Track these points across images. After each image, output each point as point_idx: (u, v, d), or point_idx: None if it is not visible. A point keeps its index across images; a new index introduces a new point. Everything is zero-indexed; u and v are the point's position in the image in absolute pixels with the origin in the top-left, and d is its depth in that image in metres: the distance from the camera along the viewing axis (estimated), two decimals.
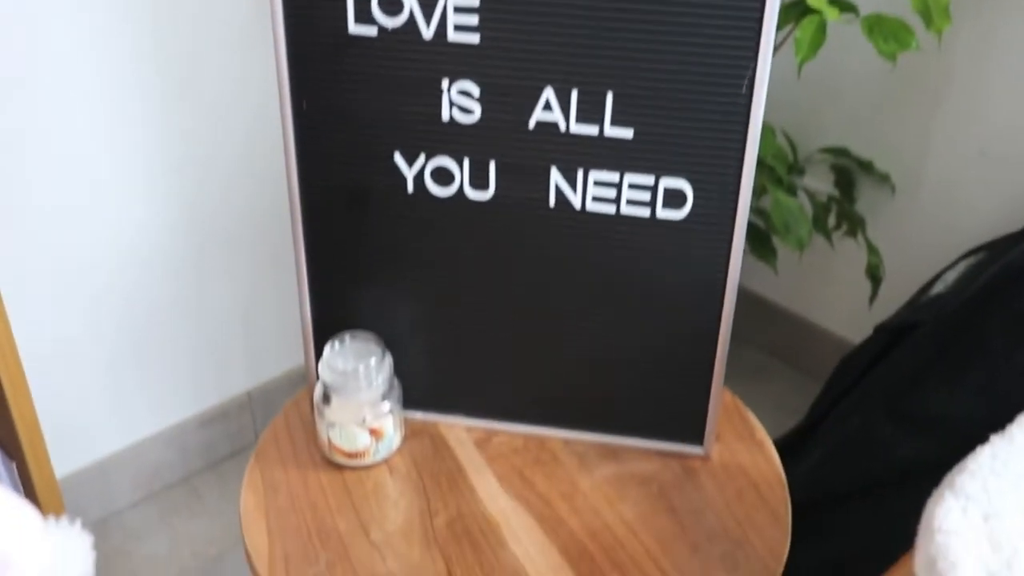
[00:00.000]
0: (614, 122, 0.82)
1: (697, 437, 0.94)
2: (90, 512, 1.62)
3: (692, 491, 0.91)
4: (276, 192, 1.56)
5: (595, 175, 0.84)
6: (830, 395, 1.43)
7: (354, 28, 0.82)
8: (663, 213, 0.84)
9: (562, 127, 0.83)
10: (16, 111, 1.28)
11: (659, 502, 0.90)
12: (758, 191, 1.44)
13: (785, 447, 1.50)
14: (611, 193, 0.84)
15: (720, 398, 0.92)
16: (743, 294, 1.91)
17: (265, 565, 0.85)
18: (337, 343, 0.93)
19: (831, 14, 1.23)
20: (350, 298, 0.95)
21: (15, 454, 1.13)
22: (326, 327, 0.96)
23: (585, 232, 0.86)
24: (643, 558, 0.85)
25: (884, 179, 1.62)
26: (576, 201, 0.85)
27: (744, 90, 0.79)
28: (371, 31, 0.82)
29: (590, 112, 0.82)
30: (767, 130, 1.51)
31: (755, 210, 1.52)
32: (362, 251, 0.92)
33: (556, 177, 0.84)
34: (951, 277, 1.33)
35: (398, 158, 0.87)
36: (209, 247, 1.57)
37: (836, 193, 1.65)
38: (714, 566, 0.84)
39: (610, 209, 0.85)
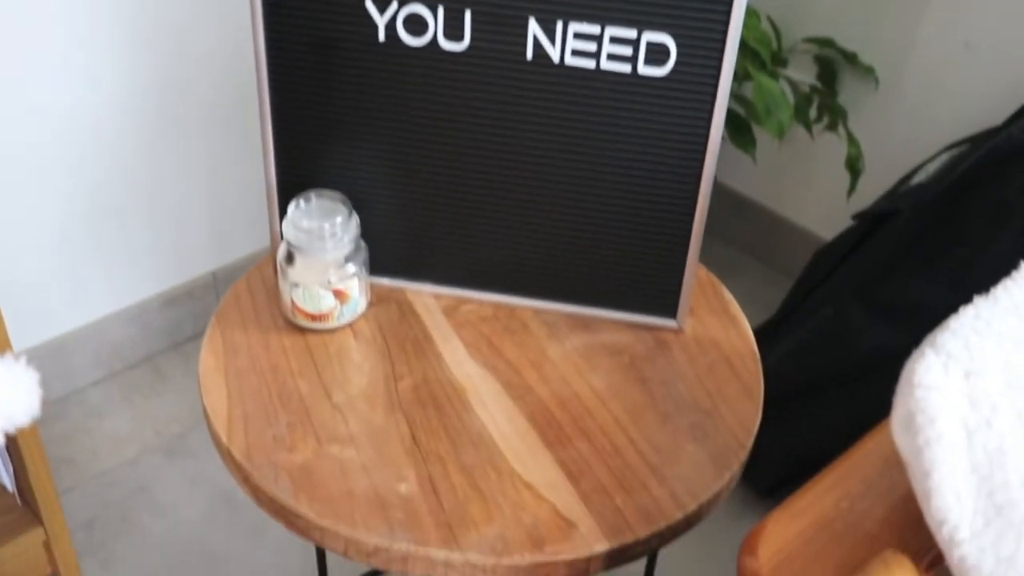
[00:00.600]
0: None
1: (671, 310, 0.92)
2: (51, 389, 1.60)
3: (664, 363, 0.89)
4: (241, 52, 1.50)
5: (575, 27, 0.80)
6: (804, 287, 1.42)
7: None
8: (645, 70, 0.81)
9: None
10: None
11: (630, 373, 0.88)
12: (740, 76, 1.40)
13: (759, 338, 1.49)
14: (591, 47, 0.80)
15: (695, 270, 0.90)
16: (717, 189, 1.89)
17: (224, 425, 0.83)
18: (302, 201, 0.89)
19: None
20: (316, 157, 0.91)
21: None
22: (291, 187, 0.92)
23: (563, 89, 0.83)
24: (611, 426, 0.83)
25: (868, 72, 1.59)
26: (555, 55, 0.81)
27: None
28: None
29: None
30: (752, 14, 1.47)
31: (735, 97, 1.49)
32: (330, 106, 0.88)
33: (534, 28, 0.80)
34: (932, 168, 1.31)
35: (369, 5, 0.82)
36: (169, 118, 1.52)
37: (819, 85, 1.62)
38: (683, 435, 0.83)
39: (590, 64, 0.81)
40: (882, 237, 1.26)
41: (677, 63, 0.80)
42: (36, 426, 1.22)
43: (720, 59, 0.80)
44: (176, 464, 1.51)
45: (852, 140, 1.48)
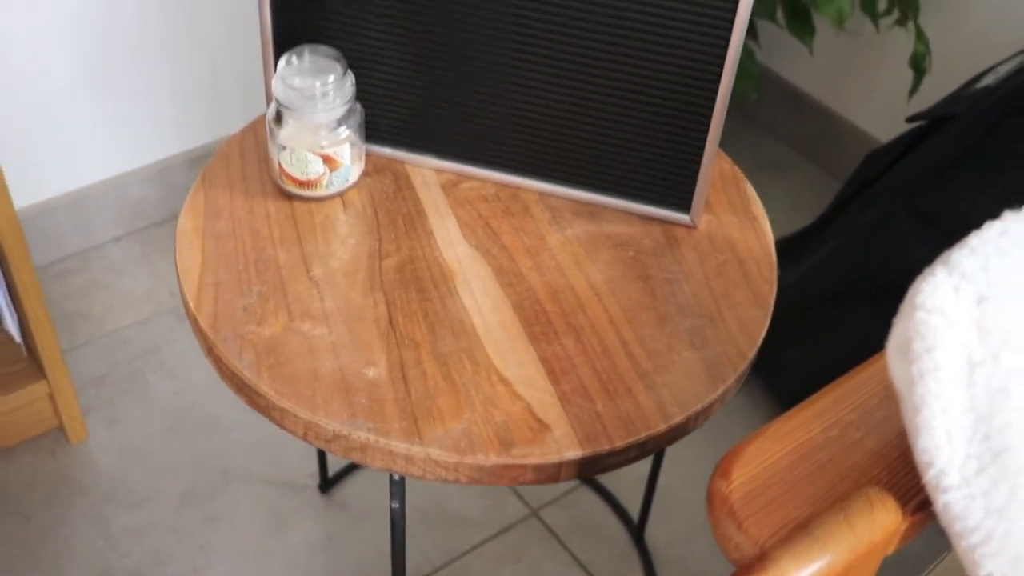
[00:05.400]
0: None
1: (684, 203, 0.85)
2: (71, 243, 1.57)
3: (671, 260, 0.83)
4: None
5: None
6: (851, 188, 1.33)
7: None
8: None
9: None
10: None
11: (632, 268, 0.82)
12: None
13: (799, 240, 1.41)
14: None
15: (713, 161, 0.82)
16: (772, 80, 1.78)
17: (194, 291, 0.78)
18: (295, 57, 0.82)
19: None
20: (316, 8, 0.84)
21: None
22: (288, 42, 0.85)
23: None
24: (604, 325, 0.77)
25: None
26: None
27: None
28: None
29: None
30: None
31: None
32: None
33: None
34: (1003, 71, 1.20)
35: None
36: None
37: None
38: (680, 340, 0.76)
39: None
40: (937, 142, 1.16)
41: None
42: (38, 280, 1.19)
43: None
44: (188, 328, 1.48)
45: (920, 36, 1.37)
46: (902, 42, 1.55)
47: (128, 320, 1.49)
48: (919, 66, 1.36)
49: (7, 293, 1.23)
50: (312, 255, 0.81)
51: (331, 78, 0.81)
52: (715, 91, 0.79)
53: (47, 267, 1.55)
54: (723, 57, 0.77)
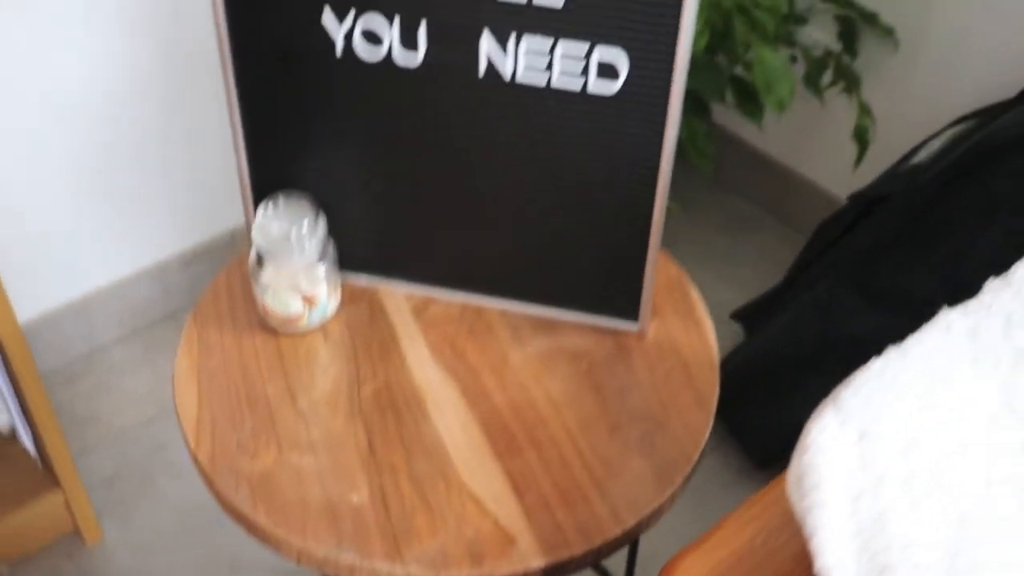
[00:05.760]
0: None
1: (632, 314, 0.93)
2: (76, 347, 1.66)
3: (622, 370, 0.91)
4: None
5: (527, 41, 0.80)
6: (806, 257, 1.41)
7: None
8: (596, 87, 0.81)
9: None
10: None
11: (586, 380, 0.90)
12: (744, 47, 1.38)
13: (763, 305, 1.49)
14: (542, 62, 0.81)
15: (653, 277, 0.90)
16: (734, 143, 1.87)
17: (192, 428, 0.86)
18: (270, 205, 0.91)
19: None
20: (288, 159, 0.92)
21: None
22: (265, 188, 0.94)
23: (515, 106, 0.83)
24: (562, 437, 0.85)
25: (888, 33, 1.55)
26: (507, 71, 0.81)
27: None
28: None
29: None
30: None
31: (744, 64, 1.47)
32: (296, 113, 0.89)
33: (488, 42, 0.81)
34: (935, 146, 1.29)
35: (326, 20, 0.83)
36: (197, 75, 1.54)
37: (839, 46, 1.58)
38: (631, 448, 0.84)
39: (541, 81, 0.81)
40: (877, 219, 1.25)
41: (628, 80, 0.80)
42: (45, 393, 1.27)
43: (670, 77, 0.79)
44: None
45: (863, 110, 1.46)
46: (848, 107, 1.64)
47: (134, 420, 1.57)
48: (863, 138, 1.45)
49: (20, 408, 1.31)
50: (297, 387, 0.89)
51: (304, 224, 0.89)
52: (649, 220, 0.87)
53: (54, 373, 1.64)
54: (653, 191, 0.85)
